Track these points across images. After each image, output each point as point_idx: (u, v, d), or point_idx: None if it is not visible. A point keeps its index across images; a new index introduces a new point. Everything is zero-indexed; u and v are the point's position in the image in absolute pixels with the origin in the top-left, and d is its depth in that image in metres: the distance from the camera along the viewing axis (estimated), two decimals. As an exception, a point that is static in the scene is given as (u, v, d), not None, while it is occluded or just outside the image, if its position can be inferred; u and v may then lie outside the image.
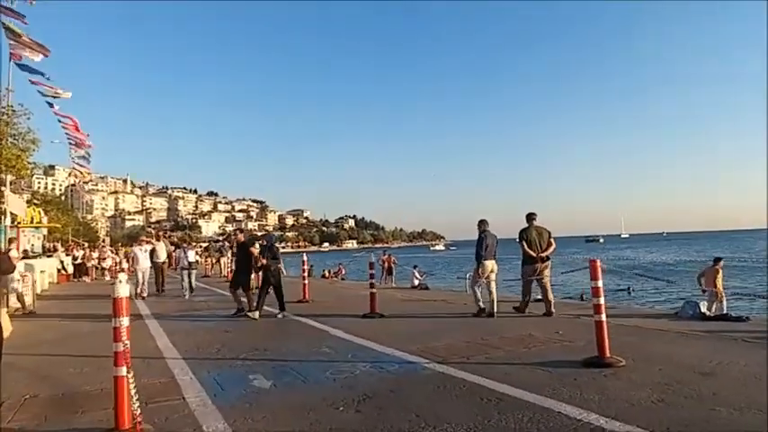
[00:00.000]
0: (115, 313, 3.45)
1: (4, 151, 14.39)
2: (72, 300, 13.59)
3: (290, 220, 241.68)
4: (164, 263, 14.63)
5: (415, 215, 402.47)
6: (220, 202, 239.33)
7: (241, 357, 5.76)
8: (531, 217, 8.99)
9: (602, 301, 4.81)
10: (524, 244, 8.76)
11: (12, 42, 17.29)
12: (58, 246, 27.90)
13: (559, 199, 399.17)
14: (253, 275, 14.07)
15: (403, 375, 4.68)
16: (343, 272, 30.13)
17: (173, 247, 18.29)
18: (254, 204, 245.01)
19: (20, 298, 10.87)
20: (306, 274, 12.72)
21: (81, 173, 30.84)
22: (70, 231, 40.44)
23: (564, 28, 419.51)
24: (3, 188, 15.37)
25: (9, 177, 15.60)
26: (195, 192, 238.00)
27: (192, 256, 13.72)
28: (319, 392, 4.23)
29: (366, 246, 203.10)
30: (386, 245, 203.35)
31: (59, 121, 23.99)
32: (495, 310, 8.42)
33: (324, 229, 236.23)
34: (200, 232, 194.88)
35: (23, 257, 14.49)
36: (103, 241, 45.65)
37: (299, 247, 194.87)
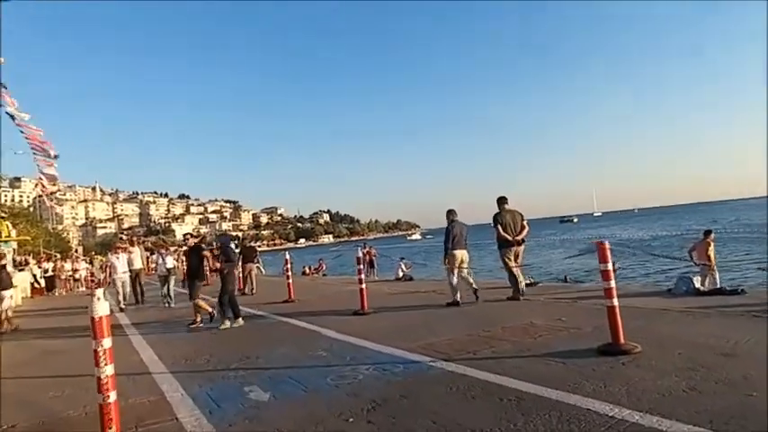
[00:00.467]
0: (95, 334, 3.07)
1: None
2: (47, 315, 12.93)
3: (264, 219, 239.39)
4: (140, 270, 14.02)
5: (389, 206, 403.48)
6: (192, 205, 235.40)
7: (232, 368, 5.40)
8: (502, 201, 9.07)
9: (612, 284, 4.61)
10: (499, 228, 8.82)
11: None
12: (30, 259, 26.81)
13: (531, 181, 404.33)
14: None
15: (410, 377, 4.40)
16: (324, 267, 29.77)
17: (148, 253, 17.68)
18: (227, 204, 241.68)
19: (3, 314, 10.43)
20: (289, 272, 12.35)
21: (45, 184, 29.63)
22: (41, 243, 39.06)
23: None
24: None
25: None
26: (166, 195, 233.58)
27: (170, 261, 13.13)
28: (323, 402, 3.92)
29: (342, 239, 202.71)
30: (362, 237, 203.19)
31: (21, 132, 23.01)
32: (476, 287, 8.52)
33: (299, 225, 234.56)
34: (174, 236, 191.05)
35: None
36: (76, 251, 44.16)
37: (274, 244, 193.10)
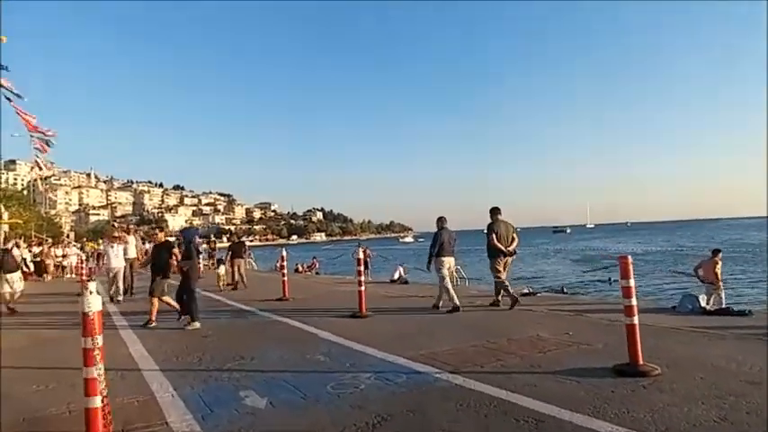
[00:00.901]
0: (85, 332, 2.81)
1: None
2: (36, 301, 12.57)
3: (257, 214, 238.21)
4: (134, 260, 13.63)
5: (382, 207, 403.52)
6: (187, 196, 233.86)
7: (226, 368, 5.15)
8: (496, 211, 9.16)
9: (634, 302, 4.38)
10: (494, 237, 8.90)
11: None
12: (20, 242, 26.40)
13: (525, 190, 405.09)
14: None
15: (416, 390, 4.16)
16: (317, 266, 29.49)
17: (143, 243, 17.31)
18: (221, 198, 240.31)
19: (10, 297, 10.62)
20: (284, 270, 12.09)
21: (40, 168, 29.18)
22: (33, 227, 38.57)
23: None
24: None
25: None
26: (161, 186, 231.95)
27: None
28: (325, 413, 3.67)
29: (335, 238, 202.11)
30: (354, 237, 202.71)
31: (18, 114, 22.63)
32: (458, 302, 8.44)
33: (292, 222, 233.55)
34: (167, 226, 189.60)
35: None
36: (68, 236, 43.58)
37: (266, 240, 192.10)
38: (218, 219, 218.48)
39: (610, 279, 21.82)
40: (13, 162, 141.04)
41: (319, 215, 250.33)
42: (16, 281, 10.92)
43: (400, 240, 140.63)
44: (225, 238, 36.02)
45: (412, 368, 4.82)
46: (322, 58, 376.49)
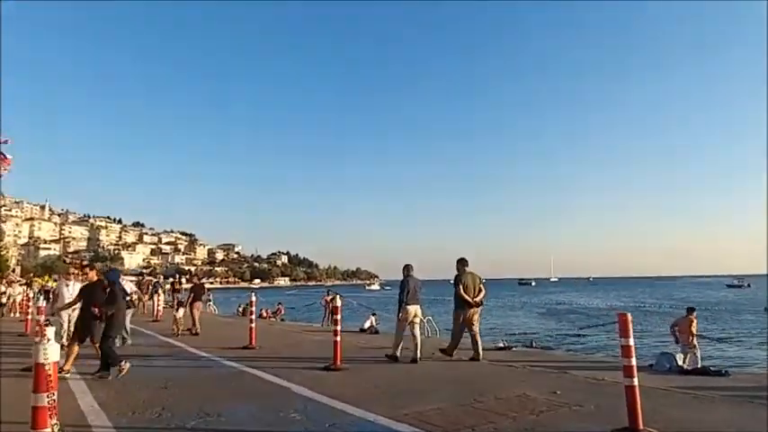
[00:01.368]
0: (39, 387, 2.38)
1: None
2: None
3: (220, 255, 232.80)
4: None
5: (348, 253, 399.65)
6: (146, 233, 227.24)
7: (189, 427, 4.63)
8: (463, 262, 9.21)
9: (633, 362, 4.19)
10: (460, 288, 8.91)
11: None
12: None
13: (490, 240, 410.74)
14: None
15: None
16: (282, 311, 28.58)
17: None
18: (183, 237, 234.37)
19: None
20: (252, 315, 11.52)
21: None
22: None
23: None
24: None
25: None
26: (120, 221, 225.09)
27: (127, 289, 11.77)
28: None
29: (299, 283, 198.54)
30: (319, 283, 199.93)
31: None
32: (419, 355, 8.48)
33: (255, 264, 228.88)
34: (123, 264, 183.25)
35: None
36: (12, 271, 41.22)
37: (227, 282, 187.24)
38: (179, 258, 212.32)
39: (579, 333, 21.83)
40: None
41: (284, 259, 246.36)
42: None
43: (366, 288, 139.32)
44: (184, 280, 34.57)
45: (398, 430, 4.44)
46: (288, 95, 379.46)
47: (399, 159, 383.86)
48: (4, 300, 21.87)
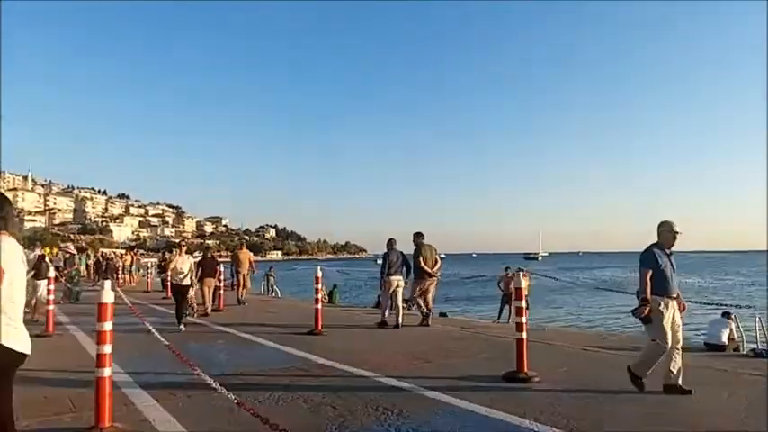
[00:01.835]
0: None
1: None
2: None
3: (209, 228, 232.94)
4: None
5: (336, 227, 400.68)
6: (132, 206, 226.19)
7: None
8: (419, 236, 10.20)
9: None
10: (420, 260, 9.94)
11: None
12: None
13: (476, 215, 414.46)
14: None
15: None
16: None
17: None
18: (170, 209, 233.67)
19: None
20: (320, 294, 9.71)
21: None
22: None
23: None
24: None
25: None
26: (105, 193, 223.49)
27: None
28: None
29: (292, 257, 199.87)
30: (312, 256, 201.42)
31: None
32: (401, 321, 9.65)
33: (246, 237, 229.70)
34: (112, 237, 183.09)
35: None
36: None
37: (220, 256, 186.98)
38: (168, 231, 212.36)
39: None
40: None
41: (272, 232, 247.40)
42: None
43: (377, 262, 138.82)
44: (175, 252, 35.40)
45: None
46: (274, 69, 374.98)
47: (387, 131, 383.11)
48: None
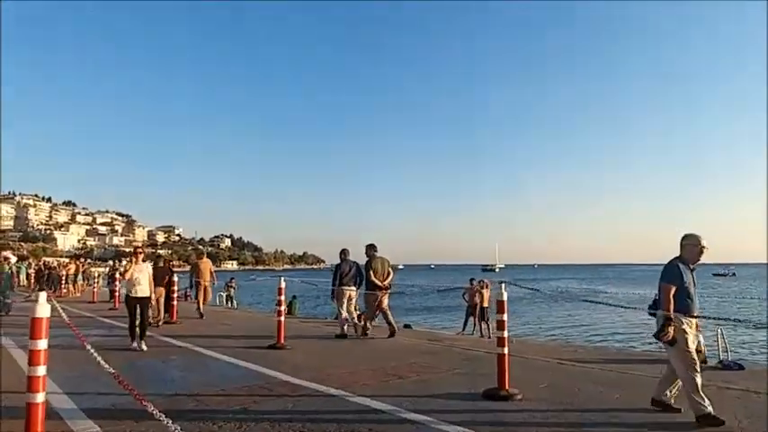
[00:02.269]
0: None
1: None
2: None
3: (161, 237, 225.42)
4: None
5: (291, 237, 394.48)
6: (79, 213, 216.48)
7: None
8: (372, 248, 10.06)
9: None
10: (371, 273, 9.81)
11: None
12: None
13: (431, 227, 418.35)
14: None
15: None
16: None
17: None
18: (119, 218, 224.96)
19: None
20: (282, 306, 9.21)
21: None
22: None
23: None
24: None
25: None
26: (49, 200, 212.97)
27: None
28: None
29: (248, 267, 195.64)
30: (269, 267, 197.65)
31: None
32: (354, 331, 9.80)
33: (200, 247, 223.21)
34: (56, 245, 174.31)
35: None
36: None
37: (172, 266, 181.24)
38: (117, 240, 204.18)
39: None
40: None
41: (227, 242, 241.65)
42: None
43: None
44: (125, 262, 34.03)
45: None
46: (234, 75, 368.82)
47: (343, 134, 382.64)
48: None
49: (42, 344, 3.64)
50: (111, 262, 36.90)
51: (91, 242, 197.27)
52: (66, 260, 39.53)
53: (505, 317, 5.47)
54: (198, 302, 13.73)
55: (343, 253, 10.02)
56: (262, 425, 4.34)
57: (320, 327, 12.20)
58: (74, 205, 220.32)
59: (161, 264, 13.45)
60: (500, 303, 5.50)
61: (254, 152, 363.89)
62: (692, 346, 4.57)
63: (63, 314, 4.51)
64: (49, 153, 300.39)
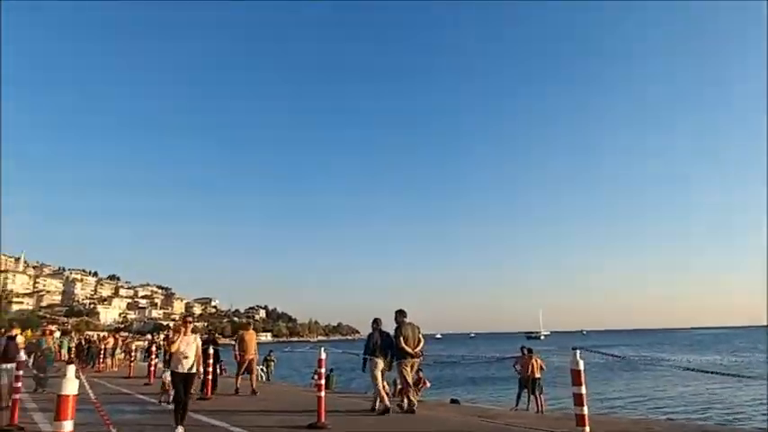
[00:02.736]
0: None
1: None
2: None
3: (197, 309, 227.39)
4: None
5: (327, 308, 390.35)
6: (122, 287, 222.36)
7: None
8: (401, 314, 9.60)
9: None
10: (401, 340, 9.27)
11: None
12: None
13: (473, 295, 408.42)
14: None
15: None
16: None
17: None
18: (159, 291, 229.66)
19: None
20: (322, 380, 8.56)
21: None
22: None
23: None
24: None
25: None
26: (95, 274, 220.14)
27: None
28: None
29: (282, 339, 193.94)
30: (303, 338, 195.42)
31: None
32: (388, 404, 9.01)
33: (235, 319, 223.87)
34: (99, 319, 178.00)
35: None
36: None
37: (216, 340, 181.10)
38: (156, 313, 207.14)
39: None
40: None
41: (262, 313, 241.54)
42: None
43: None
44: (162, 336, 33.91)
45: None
46: (258, 144, 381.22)
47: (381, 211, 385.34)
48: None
49: (68, 425, 3.26)
50: (149, 336, 36.65)
51: (131, 315, 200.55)
52: (105, 334, 39.84)
53: (583, 389, 4.77)
54: (237, 378, 13.17)
55: (376, 322, 9.61)
56: None
57: (360, 402, 11.40)
58: (117, 279, 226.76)
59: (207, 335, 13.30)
60: (575, 373, 4.81)
61: (292, 223, 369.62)
62: None
63: (90, 392, 4.12)
64: (93, 229, 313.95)
